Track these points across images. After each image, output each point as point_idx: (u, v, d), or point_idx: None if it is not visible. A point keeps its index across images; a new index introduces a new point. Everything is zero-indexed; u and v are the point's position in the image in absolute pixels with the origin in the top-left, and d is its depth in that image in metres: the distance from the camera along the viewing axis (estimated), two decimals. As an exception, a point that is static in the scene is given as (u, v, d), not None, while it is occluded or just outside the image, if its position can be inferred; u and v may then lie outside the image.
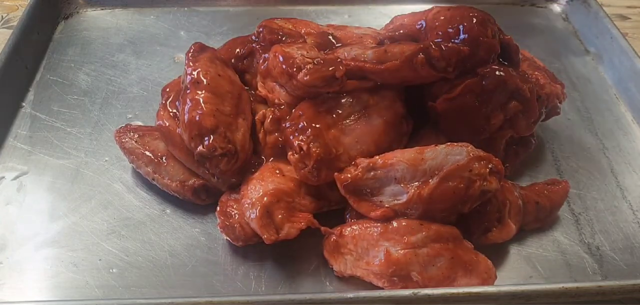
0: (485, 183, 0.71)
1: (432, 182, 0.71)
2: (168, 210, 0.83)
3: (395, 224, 0.72)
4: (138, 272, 0.75)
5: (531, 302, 0.67)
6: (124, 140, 0.85)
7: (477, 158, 0.72)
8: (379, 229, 0.73)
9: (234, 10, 1.25)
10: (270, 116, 0.81)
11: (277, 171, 0.78)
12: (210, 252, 0.78)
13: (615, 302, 0.69)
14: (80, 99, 1.01)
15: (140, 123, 0.95)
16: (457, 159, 0.71)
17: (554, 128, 0.97)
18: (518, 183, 0.83)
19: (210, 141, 0.76)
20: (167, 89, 0.87)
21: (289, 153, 0.77)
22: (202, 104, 0.77)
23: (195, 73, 0.80)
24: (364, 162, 0.74)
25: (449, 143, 0.74)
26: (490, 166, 0.72)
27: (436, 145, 0.73)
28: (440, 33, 0.81)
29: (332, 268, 0.75)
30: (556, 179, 0.85)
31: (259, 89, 0.84)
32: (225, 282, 0.74)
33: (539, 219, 0.80)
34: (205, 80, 0.80)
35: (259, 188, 0.75)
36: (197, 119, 0.76)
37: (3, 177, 0.87)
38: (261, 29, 0.88)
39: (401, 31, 0.89)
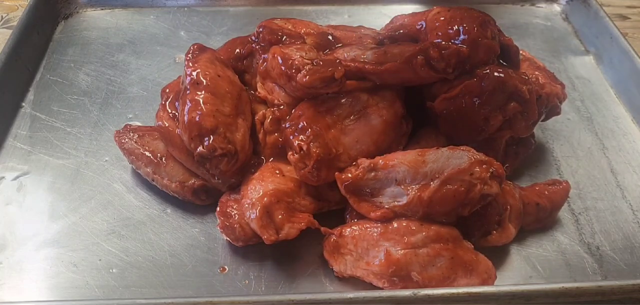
0: (485, 187, 0.71)
1: (433, 185, 0.71)
2: (168, 210, 0.83)
3: (395, 224, 0.72)
4: (138, 272, 0.75)
5: (531, 302, 0.67)
6: (123, 141, 0.85)
7: (479, 162, 0.72)
8: (379, 229, 0.73)
9: (234, 10, 1.25)
10: (270, 116, 0.81)
11: (277, 171, 0.78)
12: (210, 252, 0.78)
13: (615, 302, 0.68)
14: (80, 99, 1.01)
15: (139, 123, 0.95)
16: (458, 163, 0.71)
17: (554, 128, 0.97)
18: (518, 183, 0.83)
19: (210, 142, 0.76)
20: (167, 90, 0.87)
21: (289, 153, 0.77)
22: (202, 105, 0.77)
23: (194, 74, 0.80)
24: (365, 162, 0.74)
25: (450, 146, 0.74)
26: (491, 170, 0.72)
27: (438, 148, 0.73)
28: (440, 34, 0.81)
29: (332, 268, 0.75)
30: (556, 180, 0.84)
31: (259, 89, 0.84)
32: (225, 282, 0.74)
33: (539, 219, 0.80)
34: (204, 81, 0.80)
35: (259, 188, 0.75)
36: (197, 119, 0.76)
37: (3, 177, 0.87)
38: (261, 29, 0.88)
39: (401, 31, 0.89)
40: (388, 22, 0.95)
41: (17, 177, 0.87)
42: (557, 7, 1.28)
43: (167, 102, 0.85)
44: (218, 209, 0.78)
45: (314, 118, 0.77)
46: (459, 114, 0.79)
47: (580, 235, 0.81)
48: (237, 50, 0.89)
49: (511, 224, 0.77)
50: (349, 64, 0.78)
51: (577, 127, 0.99)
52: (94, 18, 1.21)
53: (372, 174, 0.74)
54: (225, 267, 0.76)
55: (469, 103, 0.78)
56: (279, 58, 0.78)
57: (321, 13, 1.24)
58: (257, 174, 0.79)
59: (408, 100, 0.82)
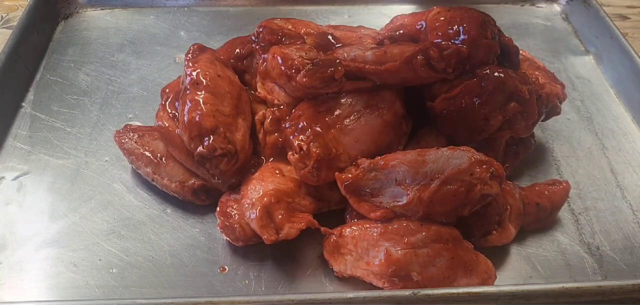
0: (485, 187, 0.71)
1: (433, 185, 0.71)
2: (168, 210, 0.83)
3: (395, 224, 0.72)
4: (138, 272, 0.75)
5: (531, 302, 0.67)
6: (123, 141, 0.85)
7: (479, 162, 0.72)
8: (379, 229, 0.73)
9: (234, 10, 1.25)
10: (270, 116, 0.81)
11: (277, 171, 0.78)
12: (210, 252, 0.78)
13: (615, 302, 0.68)
14: (80, 99, 1.01)
15: (139, 123, 0.95)
16: (458, 163, 0.71)
17: (554, 128, 0.97)
18: (518, 183, 0.83)
19: (210, 142, 0.76)
20: (167, 90, 0.87)
21: (289, 153, 0.77)
22: (202, 105, 0.77)
23: (194, 74, 0.80)
24: (365, 162, 0.74)
25: (450, 146, 0.74)
26: (491, 170, 0.72)
27: (438, 149, 0.73)
28: (440, 34, 0.81)
29: (332, 268, 0.75)
30: (557, 180, 0.84)
31: (259, 89, 0.84)
32: (225, 282, 0.74)
33: (539, 219, 0.80)
34: (204, 81, 0.80)
35: (259, 188, 0.75)
36: (197, 119, 0.76)
37: (3, 177, 0.87)
38: (261, 29, 0.88)
39: (401, 31, 0.89)
40: (388, 22, 0.95)
41: (17, 177, 0.87)
42: (557, 7, 1.28)
43: (167, 102, 0.85)
44: (218, 209, 0.78)
45: (314, 118, 0.77)
46: (459, 114, 0.78)
47: (580, 235, 0.81)
48: (237, 50, 0.89)
49: (511, 224, 0.77)
50: (349, 64, 0.78)
51: (577, 127, 0.99)
52: (94, 18, 1.21)
53: (372, 174, 0.74)
54: (225, 267, 0.76)
55: (469, 103, 0.78)
56: (278, 58, 0.78)
57: (321, 13, 1.24)
58: (257, 174, 0.79)
59: (408, 100, 0.82)
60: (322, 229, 0.75)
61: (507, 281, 0.75)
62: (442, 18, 0.83)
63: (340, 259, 0.74)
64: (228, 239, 0.76)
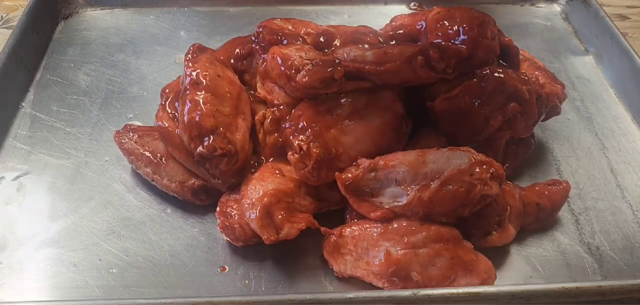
0: (485, 188, 0.71)
1: (433, 185, 0.71)
2: (168, 210, 0.83)
3: (395, 224, 0.72)
4: (138, 272, 0.75)
5: (531, 302, 0.67)
6: (123, 141, 0.85)
7: (479, 163, 0.72)
8: (379, 229, 0.73)
9: (234, 10, 1.25)
10: (270, 116, 0.81)
11: (277, 171, 0.78)
12: (210, 252, 0.78)
13: (615, 302, 0.69)
14: (80, 99, 1.01)
15: (140, 123, 0.95)
16: (458, 163, 0.71)
17: (554, 128, 0.97)
18: (518, 183, 0.83)
19: (210, 142, 0.76)
20: (167, 90, 0.87)
21: (289, 153, 0.77)
22: (202, 105, 0.77)
23: (194, 74, 0.80)
24: (365, 162, 0.74)
25: (450, 147, 0.74)
26: (491, 171, 0.72)
27: (438, 149, 0.73)
28: (440, 34, 0.81)
29: (332, 268, 0.75)
30: (557, 180, 0.84)
31: (258, 89, 0.84)
32: (225, 282, 0.74)
33: (540, 219, 0.80)
34: (204, 81, 0.80)
35: (259, 188, 0.75)
36: (197, 119, 0.76)
37: (3, 177, 0.87)
38: (261, 30, 0.88)
39: (401, 31, 0.89)
40: (388, 22, 0.95)
41: (17, 177, 0.87)
42: (557, 7, 1.28)
43: (167, 102, 0.85)
44: (218, 209, 0.78)
45: (314, 118, 0.77)
46: (459, 114, 0.79)
47: (580, 235, 0.81)
48: (237, 50, 0.89)
49: (511, 225, 0.77)
50: (348, 64, 0.78)
51: (577, 127, 0.99)
52: (94, 18, 1.21)
53: (372, 174, 0.74)
54: (225, 267, 0.76)
55: (468, 103, 0.78)
56: (278, 58, 0.78)
57: (321, 13, 1.24)
58: (257, 174, 0.79)
59: (408, 100, 0.82)
60: (322, 229, 0.75)
61: (507, 281, 0.75)
62: (442, 18, 0.83)
63: (340, 259, 0.74)
64: (228, 239, 0.76)
